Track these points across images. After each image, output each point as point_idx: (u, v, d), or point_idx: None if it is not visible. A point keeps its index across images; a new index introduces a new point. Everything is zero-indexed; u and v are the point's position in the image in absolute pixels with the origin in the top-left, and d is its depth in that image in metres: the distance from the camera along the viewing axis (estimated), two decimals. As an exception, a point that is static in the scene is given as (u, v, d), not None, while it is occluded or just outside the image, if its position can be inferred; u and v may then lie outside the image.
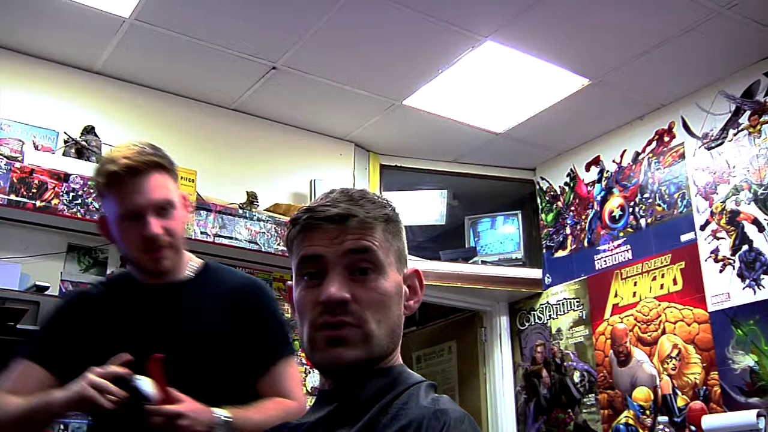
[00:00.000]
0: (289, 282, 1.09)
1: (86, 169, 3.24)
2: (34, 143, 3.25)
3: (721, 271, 3.51)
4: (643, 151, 4.03)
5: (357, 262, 0.99)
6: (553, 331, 4.32)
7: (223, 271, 1.79)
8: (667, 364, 3.65)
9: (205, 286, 1.70)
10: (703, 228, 3.63)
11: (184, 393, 1.44)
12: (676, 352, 3.62)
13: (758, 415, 3.12)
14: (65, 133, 3.36)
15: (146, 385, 1.43)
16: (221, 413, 1.48)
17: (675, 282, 3.70)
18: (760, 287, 3.35)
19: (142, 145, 1.65)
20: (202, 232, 3.41)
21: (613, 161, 4.19)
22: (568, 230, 4.38)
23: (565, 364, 4.20)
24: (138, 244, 1.61)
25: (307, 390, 3.67)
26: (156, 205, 1.61)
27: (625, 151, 4.14)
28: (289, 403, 1.62)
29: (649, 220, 3.92)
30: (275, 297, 1.80)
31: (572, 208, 4.39)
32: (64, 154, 3.30)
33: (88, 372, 1.45)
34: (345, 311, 0.96)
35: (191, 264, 1.73)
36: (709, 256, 3.57)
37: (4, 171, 2.98)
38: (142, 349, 1.47)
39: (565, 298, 4.29)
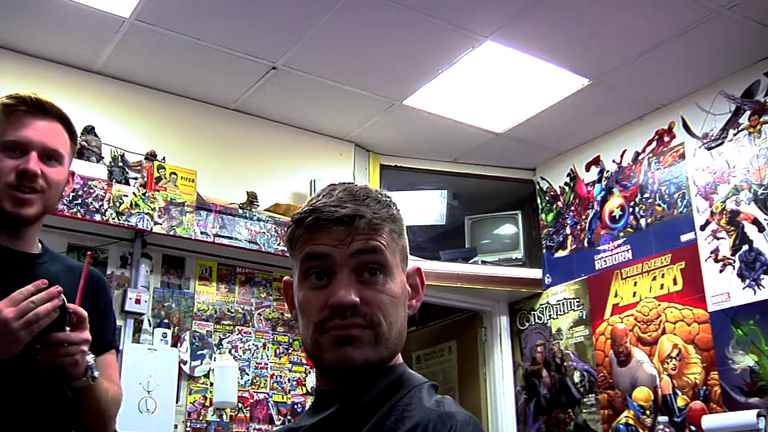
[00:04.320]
0: (286, 278, 1.07)
1: (86, 169, 3.24)
2: (34, 143, 3.24)
3: (721, 271, 3.51)
4: (643, 151, 4.03)
5: (365, 263, 0.97)
6: (553, 331, 4.32)
7: (60, 255, 1.73)
8: (667, 364, 3.65)
9: (54, 264, 1.61)
10: (703, 228, 3.63)
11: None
12: (676, 352, 3.62)
13: (758, 415, 3.12)
14: (65, 133, 3.35)
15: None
16: (89, 355, 1.45)
17: (675, 282, 3.70)
18: (760, 287, 3.35)
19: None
20: (202, 232, 3.41)
21: (613, 161, 4.19)
22: (568, 230, 4.38)
23: (565, 364, 4.20)
24: (10, 177, 1.49)
25: (306, 390, 3.67)
26: (45, 149, 1.53)
27: (625, 151, 4.14)
28: (117, 388, 1.61)
29: (649, 220, 3.92)
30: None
31: (572, 208, 4.39)
32: (64, 154, 3.29)
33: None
34: (355, 314, 0.95)
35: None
36: (709, 256, 3.57)
37: (4, 171, 2.97)
38: None
39: (565, 298, 4.29)
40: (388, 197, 1.03)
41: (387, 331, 0.97)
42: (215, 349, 3.50)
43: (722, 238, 3.54)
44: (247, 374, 3.54)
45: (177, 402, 3.29)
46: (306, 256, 0.98)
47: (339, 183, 1.03)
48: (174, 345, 3.37)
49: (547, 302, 4.40)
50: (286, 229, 1.03)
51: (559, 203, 4.49)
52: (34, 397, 1.46)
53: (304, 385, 3.68)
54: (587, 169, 4.35)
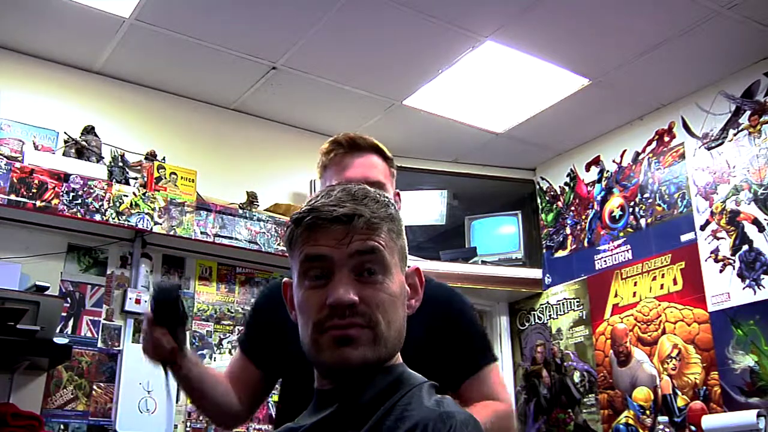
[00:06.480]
0: (286, 279, 1.07)
1: (86, 169, 3.25)
2: (34, 143, 3.25)
3: (721, 271, 3.51)
4: (643, 151, 4.03)
5: (364, 263, 0.97)
6: (553, 331, 4.32)
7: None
8: (667, 364, 3.65)
9: None
10: (703, 228, 3.63)
11: None
12: (676, 352, 3.62)
13: (758, 415, 3.11)
14: (65, 133, 3.36)
15: None
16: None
17: (675, 282, 3.70)
18: (760, 287, 3.35)
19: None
20: (202, 232, 3.41)
21: (613, 161, 4.19)
22: (568, 230, 4.38)
23: (565, 364, 4.20)
24: None
25: (307, 390, 3.67)
26: (368, 183, 1.66)
27: (625, 151, 4.14)
28: (497, 404, 1.56)
29: (649, 220, 3.92)
30: (472, 305, 1.72)
31: (572, 208, 4.39)
32: (64, 154, 3.30)
33: None
34: (354, 313, 0.94)
35: None
36: (709, 256, 3.57)
37: (4, 171, 2.98)
38: None
39: (565, 298, 4.29)
40: (387, 197, 1.04)
41: (386, 330, 0.96)
42: (215, 349, 3.49)
43: (722, 238, 3.53)
44: (247, 374, 3.53)
45: (177, 402, 3.29)
46: (305, 257, 0.98)
47: (338, 184, 1.03)
48: (174, 345, 3.36)
49: (547, 302, 4.40)
50: (285, 229, 1.04)
51: (559, 203, 4.49)
52: None
53: (304, 385, 3.67)
54: (587, 169, 4.35)
